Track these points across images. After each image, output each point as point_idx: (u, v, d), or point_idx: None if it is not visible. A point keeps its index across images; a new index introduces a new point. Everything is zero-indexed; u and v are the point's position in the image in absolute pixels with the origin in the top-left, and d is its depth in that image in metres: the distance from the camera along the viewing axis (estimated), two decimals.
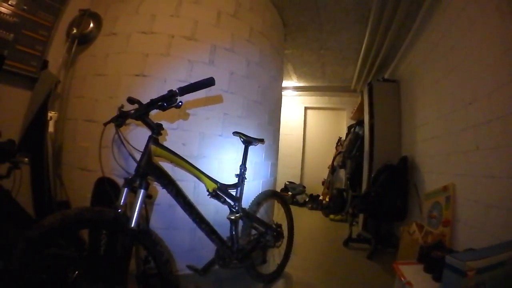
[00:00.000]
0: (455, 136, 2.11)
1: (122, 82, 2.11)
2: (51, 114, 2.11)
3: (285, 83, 5.70)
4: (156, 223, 1.96)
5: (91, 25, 2.27)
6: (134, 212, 1.20)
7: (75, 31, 2.23)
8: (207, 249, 1.82)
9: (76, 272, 1.47)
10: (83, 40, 2.27)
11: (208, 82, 1.33)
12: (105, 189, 1.80)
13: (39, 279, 1.35)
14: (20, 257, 0.98)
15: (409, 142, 3.23)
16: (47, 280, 1.38)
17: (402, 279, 1.46)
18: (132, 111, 1.35)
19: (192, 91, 1.32)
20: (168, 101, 1.29)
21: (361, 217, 3.76)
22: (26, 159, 1.70)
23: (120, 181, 1.73)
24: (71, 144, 2.22)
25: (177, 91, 1.28)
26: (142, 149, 1.36)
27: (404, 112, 3.51)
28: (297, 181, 6.38)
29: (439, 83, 2.46)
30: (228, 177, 1.97)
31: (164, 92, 1.31)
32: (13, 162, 1.61)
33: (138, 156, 1.36)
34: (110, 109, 1.95)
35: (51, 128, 2.11)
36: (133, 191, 1.26)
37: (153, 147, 1.35)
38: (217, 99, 2.27)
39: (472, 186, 1.83)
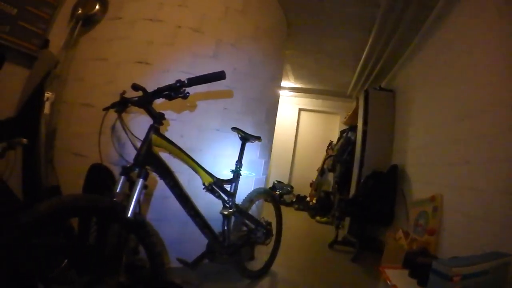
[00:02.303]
0: (446, 149, 2.15)
1: (123, 68, 2.08)
2: (48, 95, 2.02)
3: (282, 83, 5.71)
4: (148, 214, 1.95)
5: (97, 7, 2.22)
6: (131, 201, 1.15)
7: (80, 11, 2.19)
8: (197, 243, 1.81)
9: (66, 261, 1.39)
10: (87, 22, 2.23)
11: (219, 76, 1.28)
12: (99, 176, 1.77)
13: (27, 268, 1.25)
14: (9, 244, 0.90)
15: (400, 151, 3.28)
16: (35, 269, 1.29)
17: (388, 282, 1.49)
18: (136, 98, 1.31)
19: (202, 83, 1.28)
20: (176, 91, 1.25)
21: (347, 220, 3.81)
22: (25, 139, 1.63)
23: (115, 169, 1.73)
24: (65, 128, 2.16)
25: (185, 81, 1.24)
26: (142, 137, 1.32)
27: (398, 121, 3.57)
28: (285, 181, 6.41)
29: (435, 96, 2.50)
30: (222, 172, 1.97)
31: (166, 82, 1.28)
32: (10, 143, 1.55)
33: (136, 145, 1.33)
34: (108, 94, 1.91)
35: (46, 110, 2.02)
36: (129, 181, 1.22)
37: (154, 136, 1.32)
38: (219, 94, 2.27)
39: (458, 197, 1.87)
